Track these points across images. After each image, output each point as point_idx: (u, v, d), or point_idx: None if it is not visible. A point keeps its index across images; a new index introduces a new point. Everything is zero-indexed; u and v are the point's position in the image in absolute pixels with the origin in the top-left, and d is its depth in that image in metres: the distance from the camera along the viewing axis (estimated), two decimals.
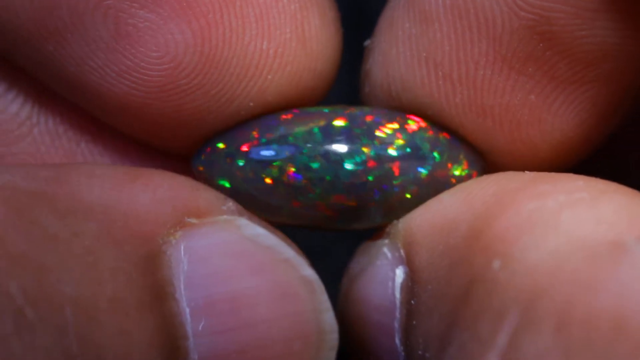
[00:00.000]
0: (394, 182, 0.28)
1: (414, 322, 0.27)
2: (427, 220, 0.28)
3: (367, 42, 0.30)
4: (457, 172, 0.29)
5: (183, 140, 0.29)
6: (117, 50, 0.27)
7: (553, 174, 0.27)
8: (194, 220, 0.26)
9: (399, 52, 0.29)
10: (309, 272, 0.27)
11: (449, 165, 0.29)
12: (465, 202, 0.27)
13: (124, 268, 0.24)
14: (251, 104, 0.28)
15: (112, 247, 0.24)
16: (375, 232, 0.29)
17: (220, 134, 0.29)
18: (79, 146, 0.30)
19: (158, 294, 0.25)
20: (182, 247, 0.26)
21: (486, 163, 0.30)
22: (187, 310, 0.25)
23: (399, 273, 0.28)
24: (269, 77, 0.28)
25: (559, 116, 0.28)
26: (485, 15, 0.27)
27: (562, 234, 0.23)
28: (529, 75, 0.28)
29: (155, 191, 0.26)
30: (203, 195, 0.27)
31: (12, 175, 0.25)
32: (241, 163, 0.28)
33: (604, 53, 0.27)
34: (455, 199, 0.27)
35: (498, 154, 0.29)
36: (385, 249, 0.28)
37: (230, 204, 0.28)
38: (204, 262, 0.26)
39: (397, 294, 0.28)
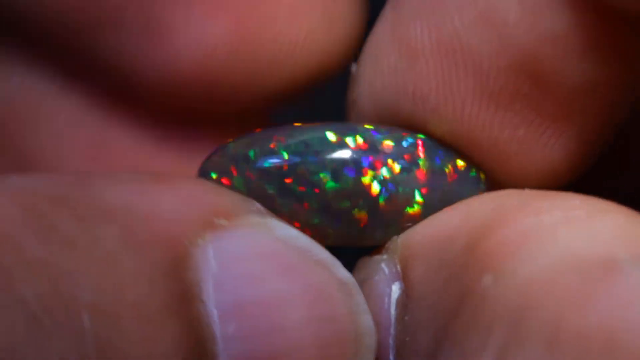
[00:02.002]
0: (399, 193, 0.28)
1: (407, 339, 0.26)
2: (424, 235, 0.27)
3: (353, 68, 0.30)
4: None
5: (218, 120, 0.30)
6: (149, 43, 0.27)
7: (552, 192, 0.26)
8: (223, 222, 0.25)
9: (385, 85, 0.29)
10: (344, 273, 0.27)
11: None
12: (463, 218, 0.27)
13: (147, 272, 0.24)
14: (280, 86, 0.29)
15: (134, 252, 0.24)
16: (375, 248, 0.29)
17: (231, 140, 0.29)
18: (108, 123, 0.30)
19: (184, 297, 0.24)
20: (210, 249, 0.25)
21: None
22: (216, 312, 0.25)
23: (395, 289, 0.27)
24: (299, 61, 0.29)
25: (548, 148, 0.28)
26: (472, 52, 0.27)
27: (555, 250, 0.23)
28: (516, 112, 0.28)
29: (180, 193, 0.26)
30: (230, 196, 0.27)
31: (33, 180, 0.24)
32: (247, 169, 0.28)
33: (591, 89, 0.27)
34: (454, 215, 0.27)
35: (492, 180, 0.29)
36: (383, 265, 0.28)
37: (258, 205, 0.27)
38: (234, 264, 0.25)
39: (393, 311, 0.27)
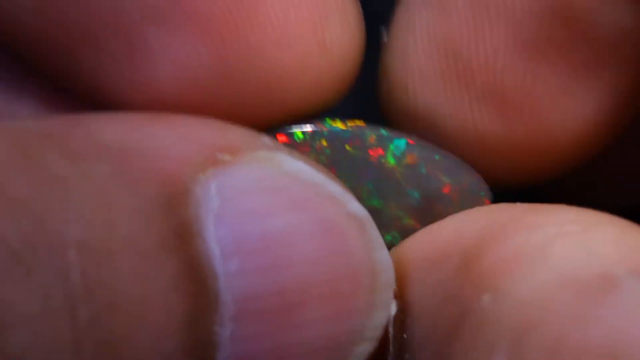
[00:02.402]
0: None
1: (407, 356, 0.26)
2: (418, 252, 0.27)
3: (384, 37, 0.30)
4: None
5: None
6: (130, 65, 0.26)
7: (545, 206, 0.26)
8: (227, 157, 0.24)
9: (417, 43, 0.28)
10: (357, 208, 0.25)
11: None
12: (456, 234, 0.27)
13: (142, 208, 0.23)
14: (272, 113, 0.28)
15: (128, 188, 0.23)
16: None
17: None
18: None
19: (182, 233, 0.23)
20: (213, 185, 0.24)
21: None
22: (217, 249, 0.23)
23: (392, 307, 0.27)
24: (291, 87, 0.27)
25: (579, 102, 0.28)
26: (504, 0, 0.27)
27: (552, 267, 0.23)
28: (550, 60, 0.27)
29: (181, 129, 0.25)
30: (236, 131, 0.26)
31: (23, 121, 0.24)
32: None
33: (624, 37, 0.27)
34: (446, 230, 0.27)
35: (517, 145, 0.29)
36: None
37: (267, 139, 0.26)
38: (237, 199, 0.24)
39: (390, 328, 0.27)
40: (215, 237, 0.24)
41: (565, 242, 0.24)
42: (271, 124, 0.28)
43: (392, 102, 0.30)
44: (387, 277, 0.26)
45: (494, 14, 0.27)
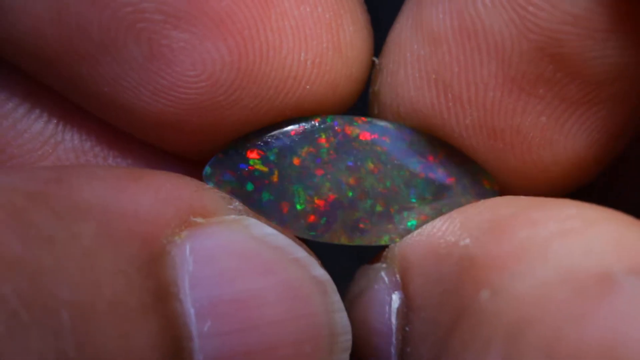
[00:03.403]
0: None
1: (408, 349, 0.27)
2: (421, 245, 0.28)
3: (375, 61, 0.30)
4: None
5: (220, 145, 0.29)
6: (152, 70, 0.27)
7: (548, 200, 0.26)
8: (199, 220, 0.26)
9: (408, 73, 0.29)
10: (320, 272, 0.27)
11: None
12: (460, 228, 0.27)
13: (124, 270, 0.24)
14: (288, 112, 0.28)
15: (111, 249, 0.24)
16: (375, 256, 0.30)
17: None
18: (106, 162, 0.30)
19: (161, 295, 0.24)
20: (187, 247, 0.25)
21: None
22: (192, 310, 0.25)
23: (395, 298, 0.28)
24: (307, 87, 0.28)
25: (570, 137, 0.28)
26: (494, 36, 0.27)
27: (551, 264, 0.23)
28: (540, 97, 0.28)
29: (158, 191, 0.26)
30: (208, 194, 0.27)
31: (11, 177, 0.24)
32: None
33: (615, 73, 0.27)
34: (450, 224, 0.27)
35: (509, 175, 0.29)
36: (383, 273, 0.28)
37: (237, 203, 0.27)
38: (210, 262, 0.25)
39: (394, 320, 0.28)
40: (191, 299, 0.25)
41: (566, 239, 0.24)
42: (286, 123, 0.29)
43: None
44: (345, 339, 0.27)
45: (484, 50, 0.27)
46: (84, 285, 0.23)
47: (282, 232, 0.27)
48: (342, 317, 0.27)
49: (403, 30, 0.29)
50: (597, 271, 0.23)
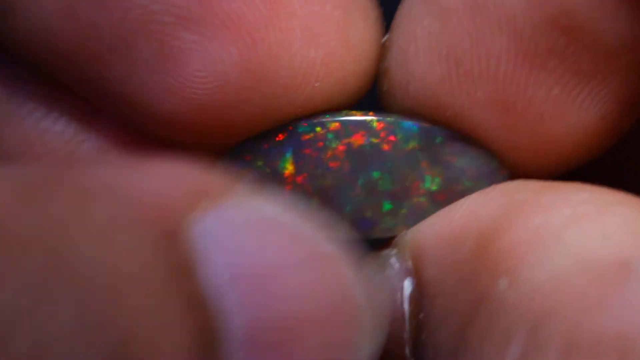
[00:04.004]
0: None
1: (423, 336, 0.27)
2: (434, 232, 0.27)
3: (385, 39, 0.30)
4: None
5: (233, 143, 0.29)
6: (162, 70, 0.27)
7: (559, 184, 0.26)
8: (210, 200, 0.25)
9: (418, 49, 0.28)
10: (332, 247, 0.26)
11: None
12: (472, 214, 0.27)
13: (142, 248, 0.24)
14: (299, 110, 0.28)
15: (126, 227, 0.24)
16: (384, 243, 0.29)
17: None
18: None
19: (181, 272, 0.24)
20: (200, 226, 0.25)
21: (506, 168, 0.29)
22: (215, 286, 0.24)
23: (407, 285, 0.28)
24: (317, 84, 0.28)
25: (583, 109, 0.28)
26: (505, 9, 0.27)
27: (568, 251, 0.23)
28: (552, 69, 0.27)
29: (167, 174, 0.26)
30: (218, 175, 0.27)
31: (18, 169, 0.24)
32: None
33: (627, 44, 0.27)
34: (462, 211, 0.27)
35: (520, 151, 0.29)
36: (394, 260, 0.28)
37: (246, 185, 0.27)
38: (224, 239, 0.25)
39: (406, 306, 0.28)
40: (212, 275, 0.24)
41: (581, 224, 0.24)
42: (297, 120, 0.29)
43: (394, 103, 0.30)
44: (366, 312, 0.26)
45: (495, 23, 0.27)
46: (103, 262, 0.23)
47: (294, 210, 0.26)
48: (362, 290, 0.26)
49: (413, 5, 0.29)
50: (615, 258, 0.23)
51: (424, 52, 0.28)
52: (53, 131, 0.29)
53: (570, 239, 0.24)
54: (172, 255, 0.24)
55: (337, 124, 0.29)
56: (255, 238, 0.25)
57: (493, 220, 0.25)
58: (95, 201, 0.24)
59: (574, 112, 0.28)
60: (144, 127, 0.29)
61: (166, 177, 0.26)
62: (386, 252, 0.29)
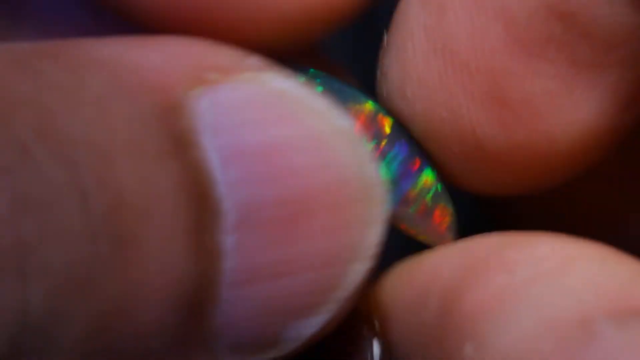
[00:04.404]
0: None
1: None
2: (398, 292, 0.27)
3: (384, 41, 0.30)
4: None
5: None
6: None
7: (520, 237, 0.26)
8: (215, 76, 0.25)
9: (415, 45, 0.28)
10: (345, 122, 0.26)
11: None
12: (434, 273, 0.26)
13: (140, 116, 0.23)
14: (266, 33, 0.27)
15: (125, 96, 0.23)
16: None
17: None
18: None
19: (180, 141, 0.24)
20: (204, 100, 0.24)
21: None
22: (215, 157, 0.24)
23: (375, 345, 0.28)
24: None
25: (580, 104, 0.27)
26: None
27: (532, 313, 0.23)
28: (549, 61, 0.27)
29: (168, 49, 0.25)
30: (222, 51, 0.26)
31: (16, 43, 0.24)
32: None
33: (624, 34, 0.26)
34: (424, 269, 0.27)
35: (516, 150, 0.28)
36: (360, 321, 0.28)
37: (255, 59, 0.26)
38: (229, 113, 0.24)
39: None
40: (213, 146, 0.24)
41: (543, 283, 0.24)
42: (263, 46, 0.28)
43: (391, 105, 0.29)
44: (379, 191, 0.26)
45: (491, 14, 0.27)
46: (98, 126, 0.23)
47: (304, 85, 0.26)
48: (373, 169, 0.26)
49: (410, 3, 0.28)
50: (578, 317, 0.23)
51: (420, 49, 0.28)
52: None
53: (534, 298, 0.23)
54: (172, 126, 0.24)
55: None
56: (262, 113, 0.25)
57: (455, 280, 0.25)
58: (94, 71, 0.23)
59: (571, 107, 0.27)
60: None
61: (171, 51, 0.25)
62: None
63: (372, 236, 0.26)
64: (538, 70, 0.27)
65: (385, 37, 0.29)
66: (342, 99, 0.28)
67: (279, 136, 0.25)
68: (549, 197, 0.33)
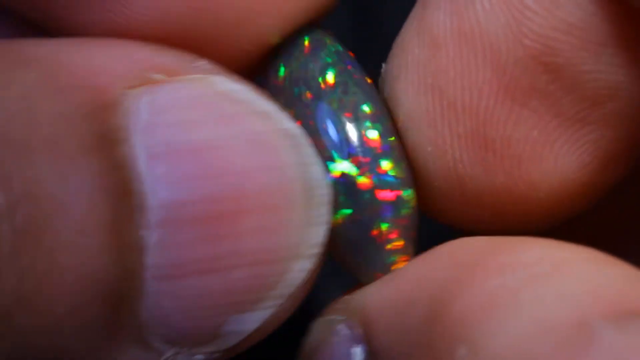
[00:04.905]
0: None
1: None
2: (383, 298, 0.27)
3: (383, 69, 0.30)
4: None
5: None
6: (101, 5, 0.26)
7: (509, 240, 0.26)
8: (160, 77, 0.25)
9: (408, 78, 0.28)
10: (290, 125, 0.26)
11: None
12: (420, 278, 0.26)
13: (66, 114, 0.23)
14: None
15: (53, 94, 0.23)
16: (328, 308, 0.29)
17: None
18: None
19: (107, 139, 0.24)
20: (144, 100, 0.24)
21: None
22: (143, 154, 0.24)
23: (359, 352, 0.27)
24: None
25: (561, 156, 0.28)
26: (490, 41, 0.27)
27: (527, 315, 0.23)
28: (532, 109, 0.27)
29: (112, 49, 0.25)
30: (171, 53, 0.26)
31: None
32: None
33: (609, 92, 0.27)
34: (410, 274, 0.26)
35: (495, 191, 0.28)
36: (341, 326, 0.27)
37: (204, 62, 0.26)
38: (167, 111, 0.24)
39: None
40: (143, 144, 0.24)
41: (537, 285, 0.23)
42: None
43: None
44: (322, 193, 0.26)
45: (480, 56, 0.27)
46: (19, 122, 0.22)
47: (254, 89, 0.26)
48: (317, 171, 0.26)
49: (407, 34, 0.29)
50: (574, 320, 0.22)
51: (412, 81, 0.28)
52: None
53: (528, 301, 0.23)
54: (100, 123, 0.24)
55: None
56: (202, 113, 0.25)
57: (444, 284, 0.25)
58: (25, 68, 0.23)
59: (552, 158, 0.28)
60: None
61: (116, 52, 0.25)
62: (332, 318, 0.28)
63: (314, 236, 0.26)
64: (521, 117, 0.27)
65: (383, 66, 0.30)
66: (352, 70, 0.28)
67: (217, 136, 0.25)
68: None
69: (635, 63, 0.26)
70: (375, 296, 0.27)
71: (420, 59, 0.28)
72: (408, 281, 0.26)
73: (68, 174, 0.23)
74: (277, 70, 0.29)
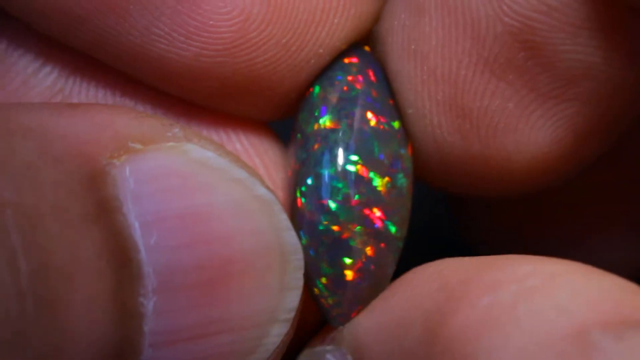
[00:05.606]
0: None
1: None
2: (374, 322, 0.26)
3: (373, 29, 0.31)
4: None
5: (256, 99, 0.29)
6: (183, 12, 0.27)
7: (497, 259, 0.26)
8: (138, 146, 0.25)
9: (393, 42, 0.29)
10: (263, 191, 0.26)
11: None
12: (411, 299, 0.26)
13: (66, 182, 0.24)
14: (320, 50, 0.28)
15: (52, 164, 0.24)
16: (315, 338, 0.28)
17: None
18: None
19: (104, 207, 0.24)
20: (126, 169, 0.25)
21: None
22: (137, 224, 0.25)
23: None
24: (335, 20, 0.28)
25: (535, 129, 0.28)
26: (471, 14, 0.27)
27: (524, 330, 0.22)
28: (509, 82, 0.28)
29: (95, 117, 0.25)
30: (147, 122, 0.26)
31: None
32: None
33: (585, 71, 0.27)
34: (400, 297, 0.26)
35: (472, 161, 0.29)
36: (329, 356, 0.27)
37: (177, 130, 0.27)
38: (150, 181, 0.25)
39: None
40: (134, 214, 0.25)
41: (532, 299, 0.23)
42: (319, 65, 0.29)
43: None
44: (296, 258, 0.27)
45: (461, 27, 0.28)
46: (27, 191, 0.23)
47: (225, 155, 0.27)
48: (291, 236, 0.27)
49: (394, 1, 0.29)
50: (573, 331, 0.22)
51: (396, 45, 0.29)
52: (40, 87, 0.30)
53: (524, 314, 0.23)
54: (96, 192, 0.24)
55: None
56: (182, 181, 0.25)
57: (437, 304, 0.24)
58: (23, 138, 0.24)
59: (526, 130, 0.28)
60: (165, 85, 0.29)
61: (93, 120, 0.25)
62: (319, 349, 0.28)
63: (289, 301, 0.26)
64: (497, 89, 0.28)
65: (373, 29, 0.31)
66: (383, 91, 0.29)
67: (198, 204, 0.25)
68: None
69: (611, 45, 0.27)
70: (367, 321, 0.27)
71: (406, 24, 0.29)
72: (398, 304, 0.26)
73: (75, 243, 0.23)
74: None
